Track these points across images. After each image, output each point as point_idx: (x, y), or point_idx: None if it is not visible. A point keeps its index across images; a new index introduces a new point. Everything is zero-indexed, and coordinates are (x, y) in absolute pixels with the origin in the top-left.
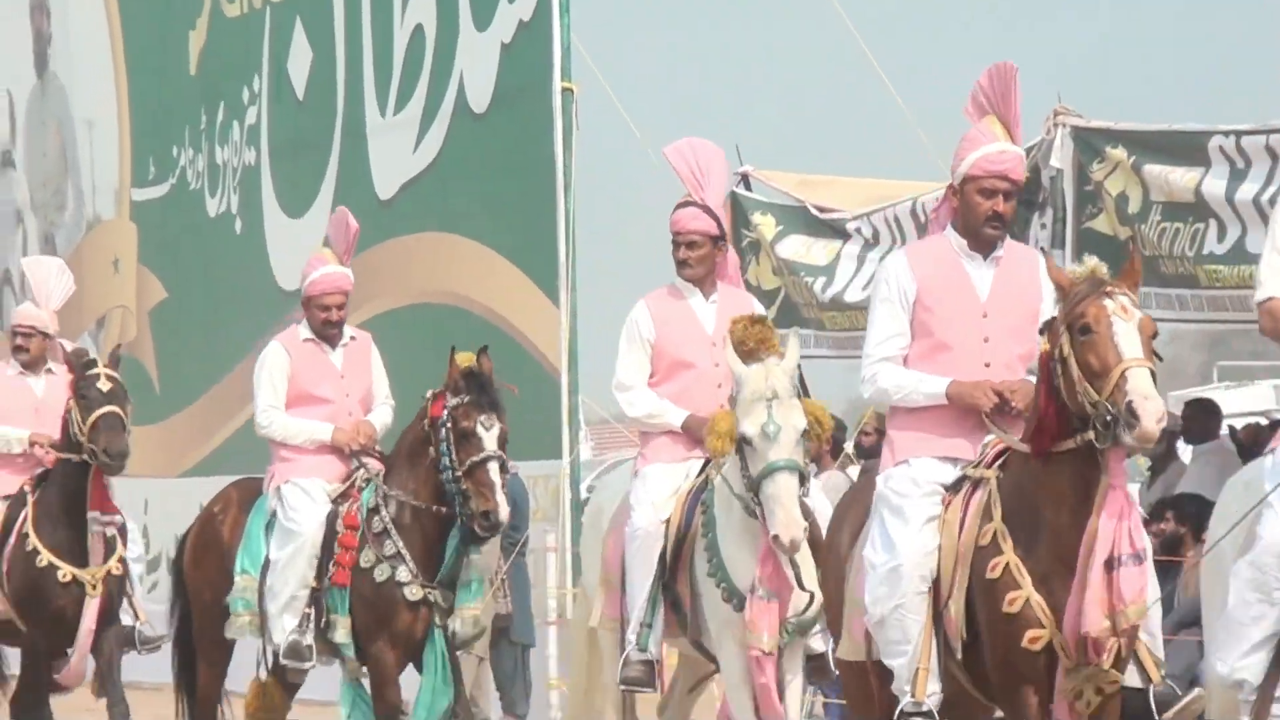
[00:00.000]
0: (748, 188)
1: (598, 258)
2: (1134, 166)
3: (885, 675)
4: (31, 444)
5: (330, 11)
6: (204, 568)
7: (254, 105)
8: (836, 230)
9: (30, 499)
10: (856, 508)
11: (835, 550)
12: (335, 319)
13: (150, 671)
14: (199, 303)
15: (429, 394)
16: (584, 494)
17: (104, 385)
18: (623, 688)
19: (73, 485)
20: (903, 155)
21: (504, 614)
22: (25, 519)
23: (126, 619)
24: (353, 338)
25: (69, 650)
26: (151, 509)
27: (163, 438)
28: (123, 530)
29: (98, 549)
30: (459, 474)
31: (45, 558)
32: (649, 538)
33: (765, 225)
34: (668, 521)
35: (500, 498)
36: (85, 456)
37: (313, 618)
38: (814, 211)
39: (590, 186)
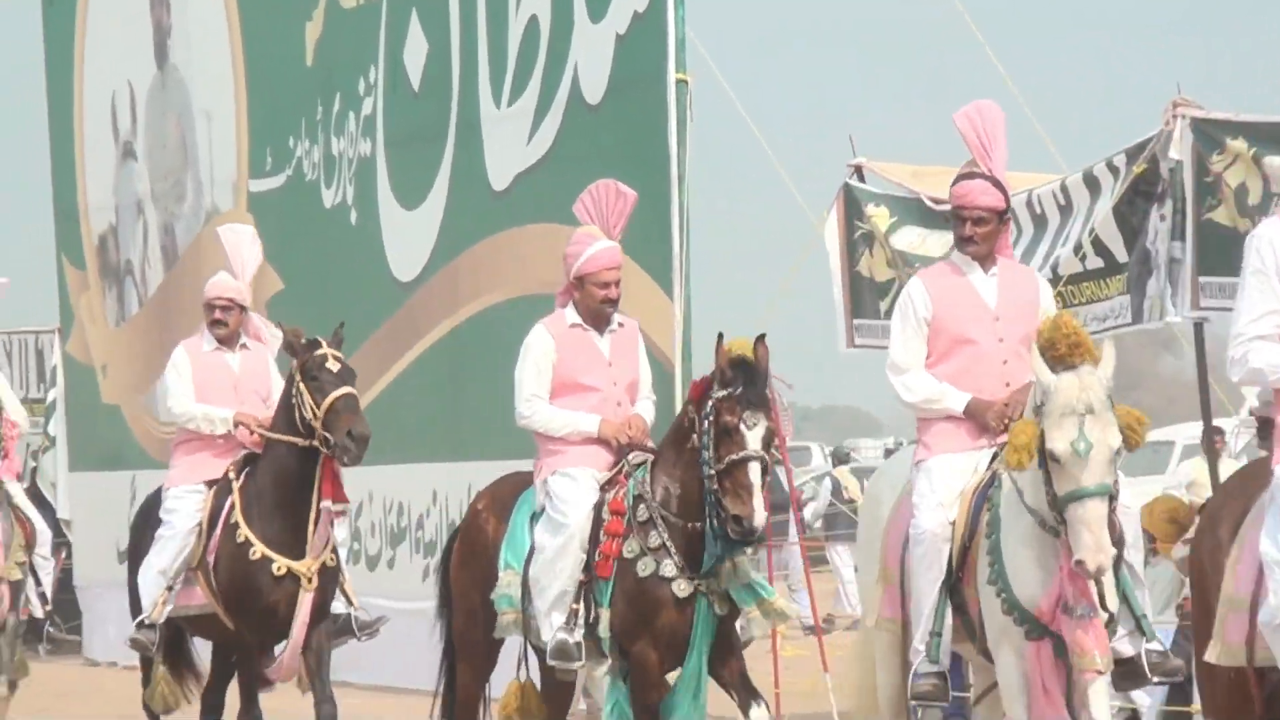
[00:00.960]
0: (861, 179)
1: (711, 249)
2: (1254, 158)
3: (1266, 683)
4: (236, 424)
5: (446, 3)
6: (470, 567)
7: (370, 96)
8: (950, 222)
9: (235, 485)
10: (1236, 501)
11: (1210, 546)
12: (614, 296)
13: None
14: (314, 294)
15: (694, 379)
16: None
17: (333, 366)
18: (914, 703)
19: (289, 471)
20: (1017, 146)
21: None
22: (232, 508)
23: (339, 606)
24: (621, 324)
25: (278, 646)
26: None
27: None
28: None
29: (320, 539)
30: (715, 471)
31: (258, 550)
32: (935, 540)
33: (879, 217)
34: (954, 522)
35: (758, 503)
36: (316, 442)
37: (581, 614)
38: (928, 203)
39: (704, 178)
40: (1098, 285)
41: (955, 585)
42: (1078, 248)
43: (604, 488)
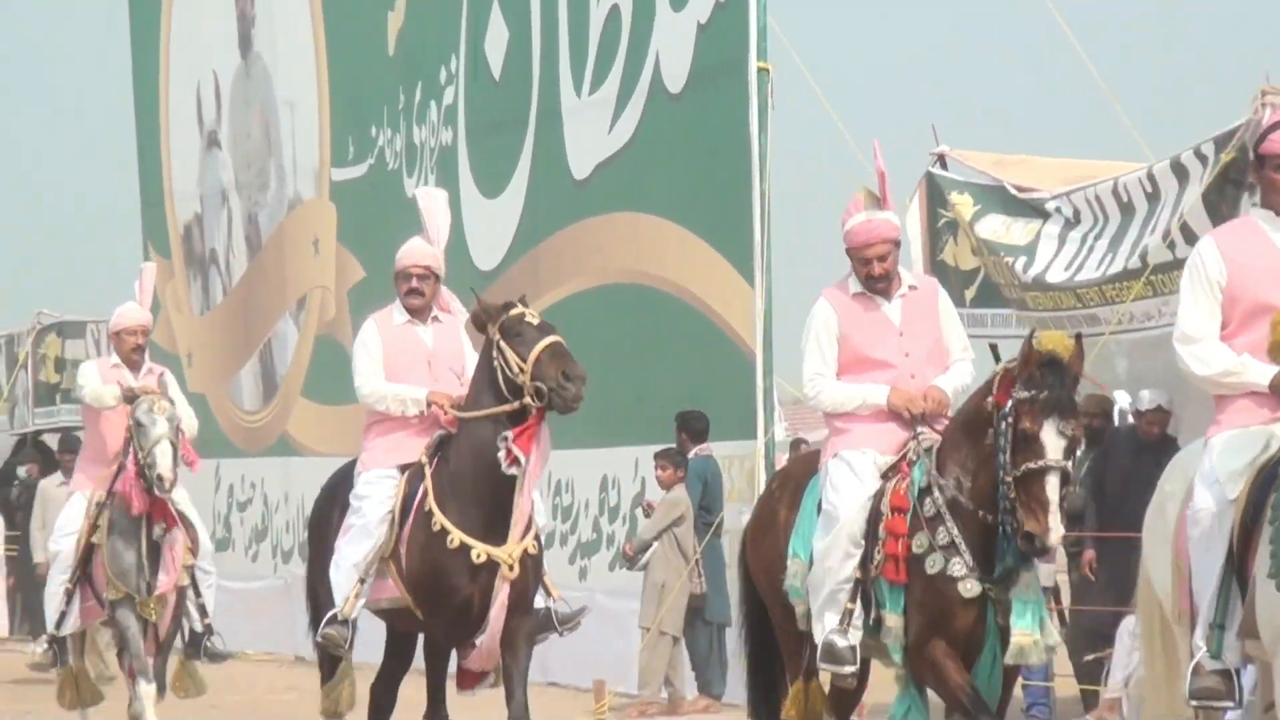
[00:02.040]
0: (944, 168)
1: (792, 238)
2: None
3: None
4: (429, 404)
5: None
6: (762, 549)
7: (451, 85)
8: (1036, 210)
9: (429, 470)
10: None
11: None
12: (877, 272)
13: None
14: None
15: (999, 368)
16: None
17: (533, 319)
18: (1194, 703)
19: (489, 450)
20: (1101, 134)
21: (699, 594)
22: (426, 494)
23: (538, 600)
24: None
25: (475, 640)
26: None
27: (362, 418)
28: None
29: (521, 520)
30: (1010, 478)
31: (455, 537)
32: (1214, 520)
33: (963, 205)
34: (1236, 499)
35: (1054, 520)
36: (527, 398)
37: (858, 614)
38: (1012, 191)
39: (785, 166)
40: None
41: (1240, 572)
42: (1166, 235)
43: (885, 475)
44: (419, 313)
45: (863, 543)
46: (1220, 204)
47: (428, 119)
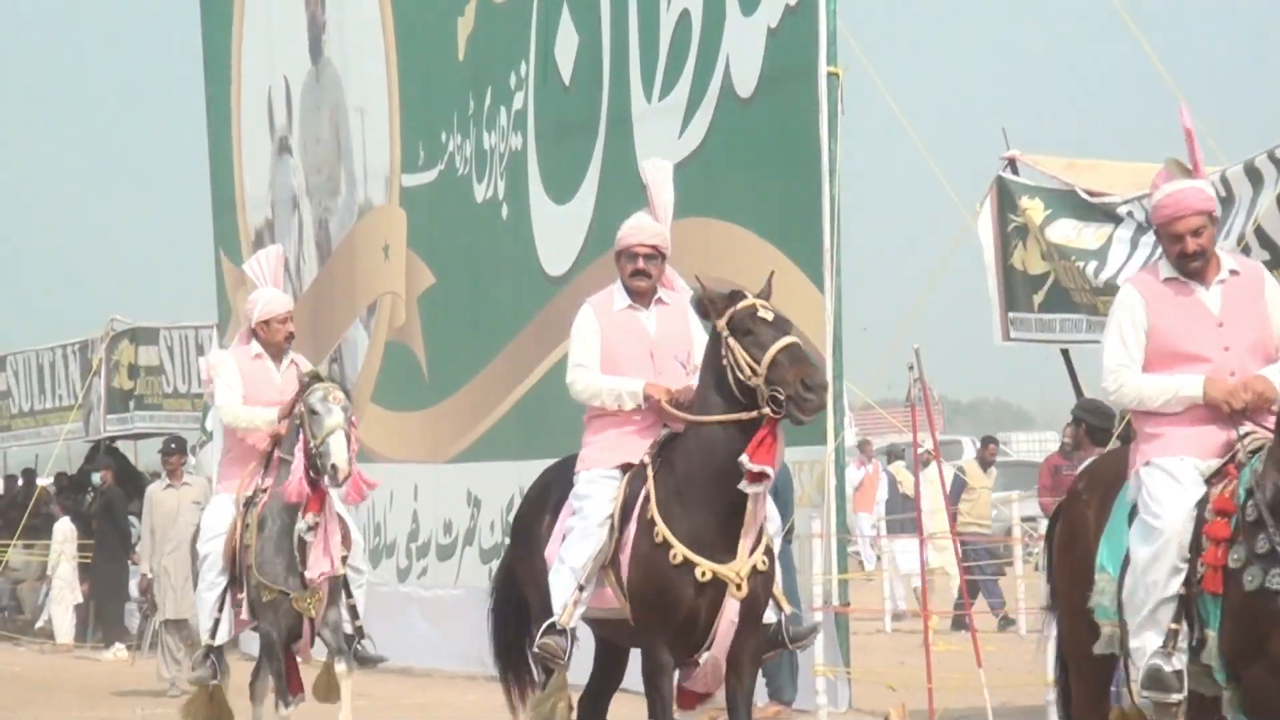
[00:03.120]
0: (1014, 172)
1: (861, 242)
2: None
3: None
4: (646, 398)
5: None
6: (1071, 557)
7: (521, 91)
8: (1107, 214)
9: (651, 472)
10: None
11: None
12: (1190, 249)
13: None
14: (466, 288)
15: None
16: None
17: (767, 315)
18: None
19: (719, 455)
20: (1174, 138)
21: None
22: (648, 499)
23: (769, 615)
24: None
25: (699, 657)
26: (420, 494)
27: (431, 423)
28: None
29: (752, 531)
30: None
31: (679, 552)
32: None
33: (1033, 209)
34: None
35: None
36: (762, 408)
37: (1184, 635)
38: (1083, 195)
39: (854, 171)
40: None
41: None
42: (1241, 239)
43: (1210, 481)
44: (642, 296)
45: (1190, 556)
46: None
47: (497, 124)
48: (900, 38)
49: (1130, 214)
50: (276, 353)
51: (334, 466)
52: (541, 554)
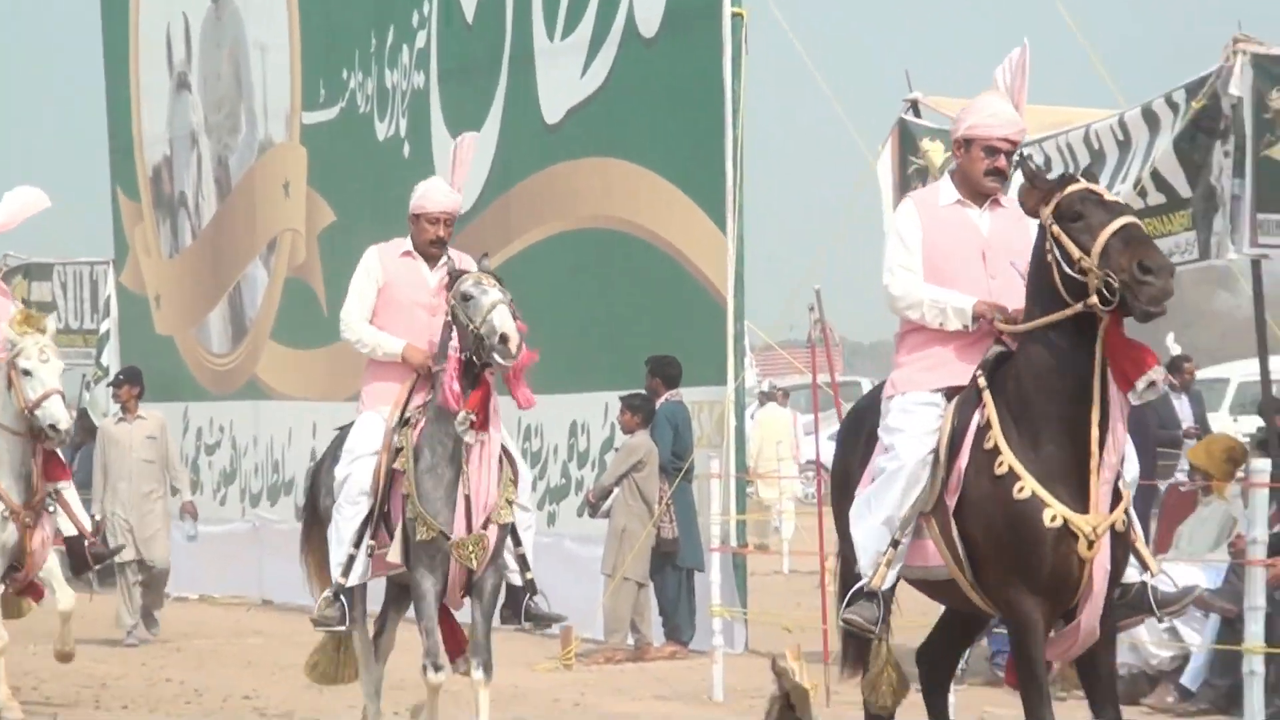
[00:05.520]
0: (916, 114)
1: (764, 184)
2: None
3: None
4: (976, 317)
5: None
6: None
7: (423, 29)
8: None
9: (986, 394)
10: None
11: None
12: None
13: None
14: (367, 226)
15: None
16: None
17: (1096, 194)
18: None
19: (1055, 367)
20: (1075, 82)
21: (669, 539)
22: (986, 426)
23: (1131, 574)
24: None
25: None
26: (319, 432)
27: (330, 361)
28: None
29: (1109, 473)
30: None
31: (1026, 486)
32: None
33: (934, 151)
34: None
35: None
36: (1092, 299)
37: None
38: None
39: (758, 112)
40: (1161, 221)
41: None
42: (1137, 183)
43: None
44: (981, 198)
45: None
46: (1192, 152)
47: (399, 62)
48: None
49: (1029, 157)
50: (430, 256)
51: (503, 337)
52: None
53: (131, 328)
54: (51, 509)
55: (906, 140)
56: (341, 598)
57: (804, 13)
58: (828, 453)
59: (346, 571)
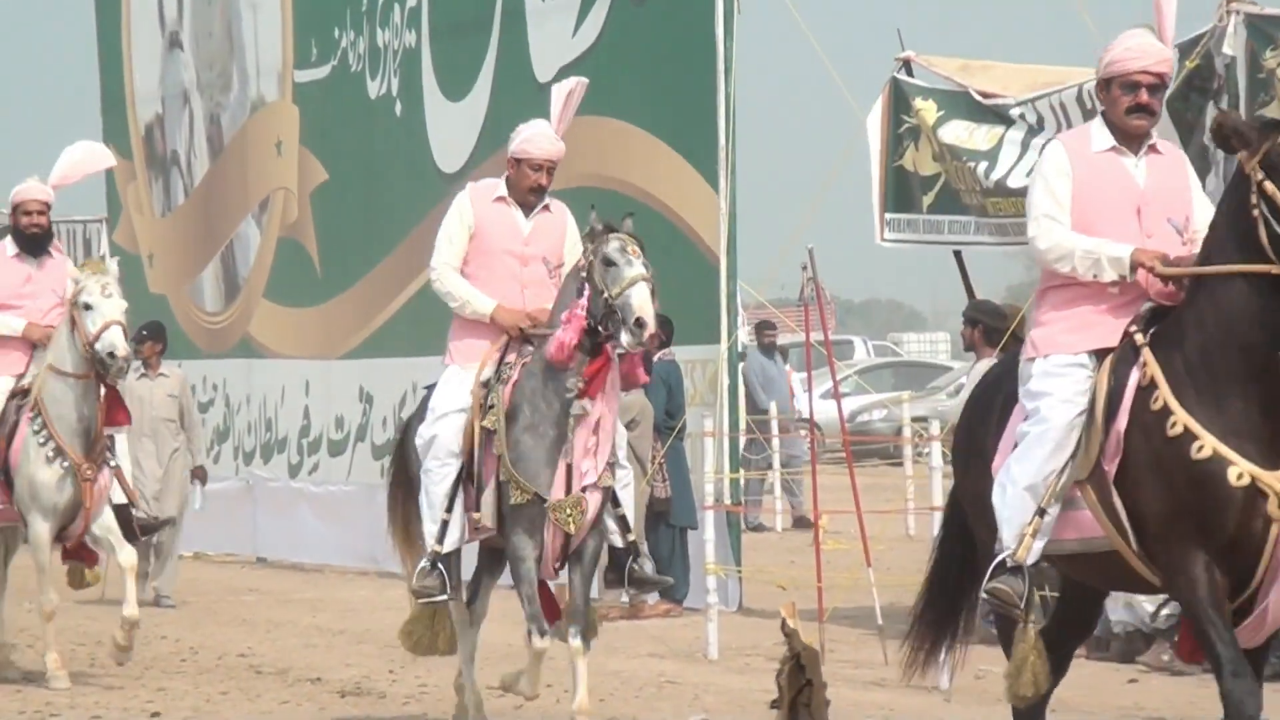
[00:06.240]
0: (909, 73)
1: (757, 143)
2: None
3: None
4: (1134, 267)
5: None
6: None
7: None
8: (1000, 116)
9: (1146, 350)
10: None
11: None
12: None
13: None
14: (359, 185)
15: None
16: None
17: None
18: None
19: (1246, 319)
20: (1068, 40)
21: (662, 498)
22: (1150, 384)
23: None
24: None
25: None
26: (312, 391)
27: (323, 320)
28: None
29: None
30: None
31: (1205, 444)
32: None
33: (926, 110)
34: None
35: None
36: None
37: None
38: (977, 97)
39: (750, 71)
40: None
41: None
42: None
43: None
44: (1132, 137)
45: None
46: (1185, 111)
47: (391, 21)
48: None
49: (1022, 116)
50: (525, 201)
51: (640, 321)
52: (990, 471)
53: (125, 286)
54: (112, 462)
55: (899, 99)
56: (439, 565)
57: None
58: (821, 410)
59: (441, 538)
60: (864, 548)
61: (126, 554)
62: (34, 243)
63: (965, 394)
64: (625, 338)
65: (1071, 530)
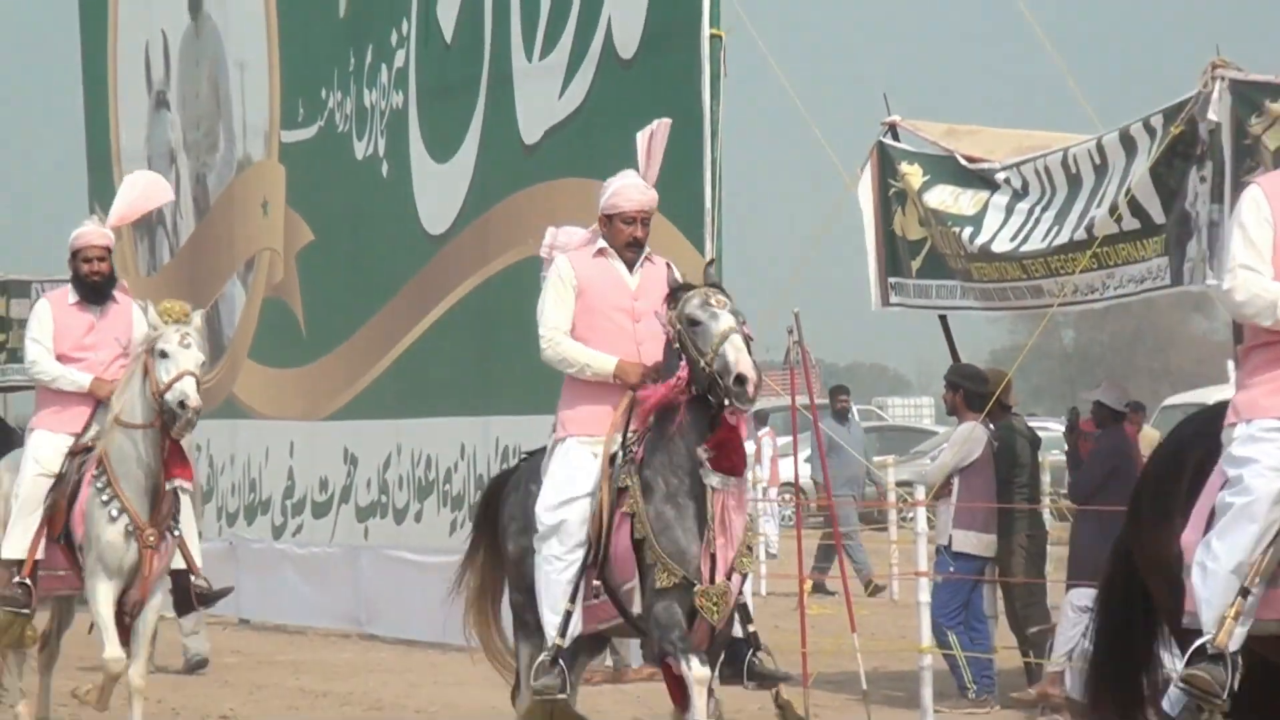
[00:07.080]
0: (895, 137)
1: (742, 206)
2: None
3: None
4: None
5: None
6: None
7: (402, 49)
8: (985, 180)
9: None
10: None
11: None
12: None
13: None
14: (345, 246)
15: None
16: None
17: None
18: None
19: None
20: (1053, 105)
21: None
22: None
23: None
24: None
25: None
26: (296, 452)
27: (308, 381)
28: None
29: None
30: None
31: None
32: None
33: (912, 175)
34: None
35: None
36: None
37: None
38: (962, 161)
39: (737, 134)
40: (1134, 246)
41: None
42: (1113, 208)
43: None
44: None
45: None
46: (1168, 177)
47: (378, 82)
48: (784, 0)
49: (1008, 180)
50: (624, 257)
51: (740, 379)
52: (1178, 536)
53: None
54: (176, 531)
55: (885, 163)
56: (561, 660)
57: (783, 34)
58: (806, 475)
59: (564, 631)
60: (849, 613)
61: (137, 670)
62: (96, 291)
63: (946, 457)
64: (734, 401)
65: (1275, 610)
